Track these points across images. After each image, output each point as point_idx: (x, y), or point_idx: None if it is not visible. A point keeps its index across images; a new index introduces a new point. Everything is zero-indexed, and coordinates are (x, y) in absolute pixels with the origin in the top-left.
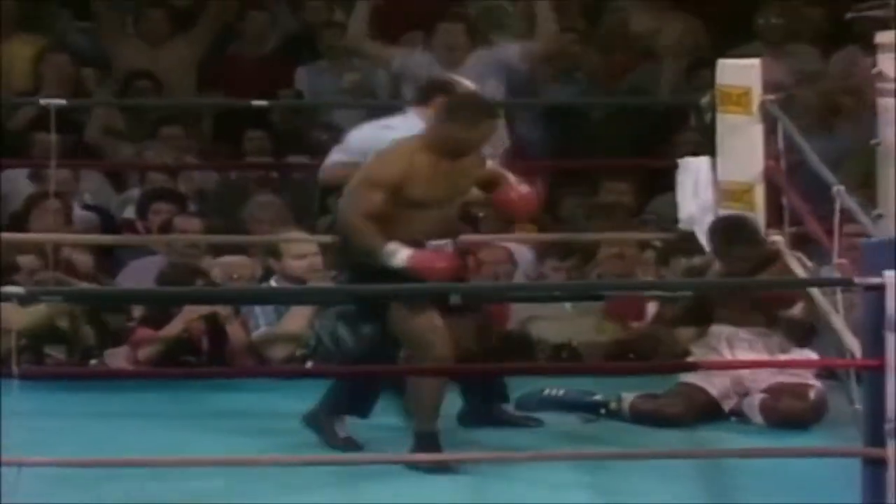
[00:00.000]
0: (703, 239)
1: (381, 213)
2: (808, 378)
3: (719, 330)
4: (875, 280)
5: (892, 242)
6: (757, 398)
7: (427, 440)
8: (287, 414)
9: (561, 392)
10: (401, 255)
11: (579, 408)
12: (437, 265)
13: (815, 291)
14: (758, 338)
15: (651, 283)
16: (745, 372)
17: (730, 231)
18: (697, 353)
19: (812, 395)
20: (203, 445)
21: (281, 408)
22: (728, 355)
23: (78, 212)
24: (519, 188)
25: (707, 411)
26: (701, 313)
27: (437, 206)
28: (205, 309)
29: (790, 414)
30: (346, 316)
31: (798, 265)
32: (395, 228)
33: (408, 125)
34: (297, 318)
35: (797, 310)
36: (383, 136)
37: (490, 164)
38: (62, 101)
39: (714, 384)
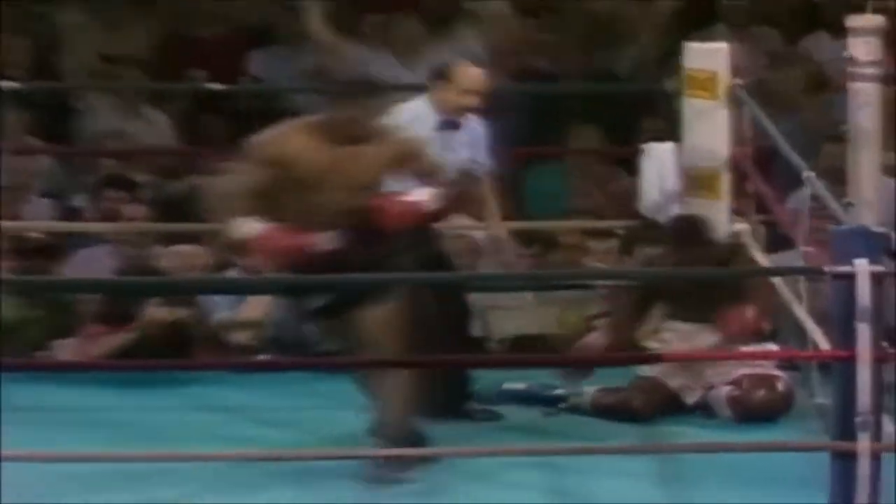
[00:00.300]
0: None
1: (263, 192)
2: (772, 369)
3: (675, 326)
4: (845, 269)
5: (863, 230)
6: (723, 390)
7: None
8: (257, 407)
9: (521, 385)
10: (246, 229)
11: (540, 401)
12: (279, 245)
13: (778, 281)
14: (715, 333)
15: (616, 272)
16: (706, 366)
17: (679, 233)
18: (653, 349)
19: (780, 385)
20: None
21: (248, 401)
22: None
23: (35, 199)
24: (407, 199)
25: (669, 405)
26: (651, 305)
27: (328, 192)
28: (168, 314)
29: (760, 405)
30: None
31: (762, 257)
32: (286, 212)
33: (414, 111)
34: (256, 306)
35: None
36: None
37: (429, 160)
38: (15, 84)
39: (673, 377)
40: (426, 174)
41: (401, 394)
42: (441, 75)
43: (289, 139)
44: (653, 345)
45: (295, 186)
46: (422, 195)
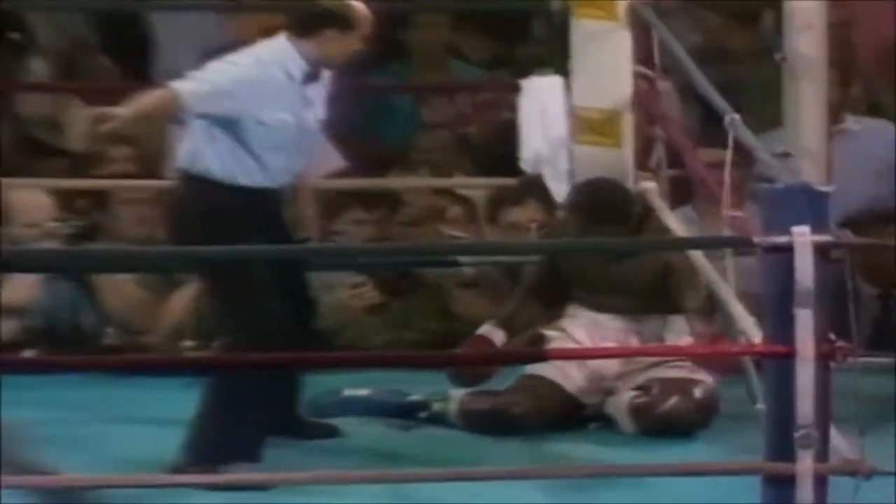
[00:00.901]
0: (553, 184)
1: None
2: (695, 371)
3: (577, 313)
4: (781, 239)
5: (804, 189)
6: (625, 397)
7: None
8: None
9: (364, 392)
10: None
11: (391, 412)
12: None
13: (698, 255)
14: (628, 324)
15: (486, 245)
16: (611, 366)
17: (594, 207)
18: (548, 339)
19: (698, 392)
20: None
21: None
22: (587, 344)
23: None
24: None
25: (562, 413)
26: (557, 289)
27: None
28: None
29: (668, 416)
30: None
31: (676, 221)
32: None
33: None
34: (17, 289)
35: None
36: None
37: None
38: None
39: (570, 378)
40: None
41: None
42: (335, 21)
43: None
44: (549, 332)
45: None
46: None
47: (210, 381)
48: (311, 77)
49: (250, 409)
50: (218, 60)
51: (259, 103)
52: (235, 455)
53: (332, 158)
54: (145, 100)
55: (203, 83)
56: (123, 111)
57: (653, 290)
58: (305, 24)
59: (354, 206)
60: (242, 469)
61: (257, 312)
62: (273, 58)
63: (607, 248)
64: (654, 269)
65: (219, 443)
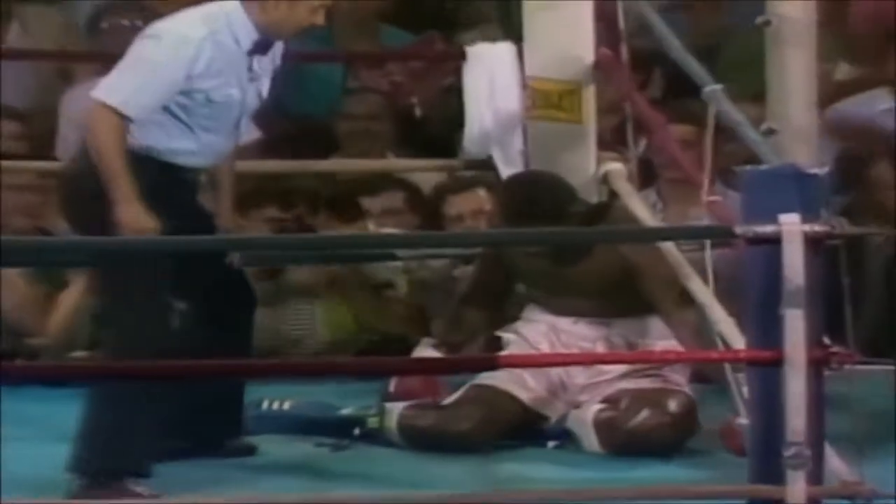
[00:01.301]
0: (504, 168)
1: None
2: (672, 381)
3: (535, 317)
4: (766, 228)
5: (792, 171)
6: (590, 411)
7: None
8: None
9: (286, 405)
10: None
11: (319, 428)
12: None
13: (670, 247)
14: (593, 329)
15: (423, 236)
16: (575, 377)
17: (521, 204)
18: (503, 343)
19: (673, 405)
20: None
21: None
22: (547, 351)
23: None
24: None
25: (517, 428)
26: (501, 293)
27: None
28: None
29: (638, 434)
30: None
31: (644, 208)
32: None
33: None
34: None
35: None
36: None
37: None
38: None
39: (527, 388)
40: None
41: None
42: None
43: None
44: (504, 336)
45: None
46: None
47: (92, 391)
48: (261, 48)
49: (136, 418)
50: (157, 35)
51: (211, 79)
52: (122, 469)
53: (246, 130)
54: (105, 146)
55: (146, 89)
56: (126, 197)
57: (620, 289)
58: None
59: (267, 204)
60: (131, 484)
61: (147, 311)
62: (222, 23)
63: (566, 240)
64: (618, 265)
65: (103, 455)
